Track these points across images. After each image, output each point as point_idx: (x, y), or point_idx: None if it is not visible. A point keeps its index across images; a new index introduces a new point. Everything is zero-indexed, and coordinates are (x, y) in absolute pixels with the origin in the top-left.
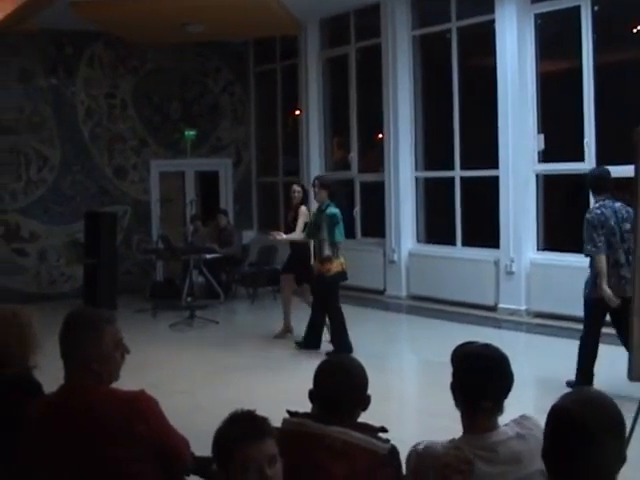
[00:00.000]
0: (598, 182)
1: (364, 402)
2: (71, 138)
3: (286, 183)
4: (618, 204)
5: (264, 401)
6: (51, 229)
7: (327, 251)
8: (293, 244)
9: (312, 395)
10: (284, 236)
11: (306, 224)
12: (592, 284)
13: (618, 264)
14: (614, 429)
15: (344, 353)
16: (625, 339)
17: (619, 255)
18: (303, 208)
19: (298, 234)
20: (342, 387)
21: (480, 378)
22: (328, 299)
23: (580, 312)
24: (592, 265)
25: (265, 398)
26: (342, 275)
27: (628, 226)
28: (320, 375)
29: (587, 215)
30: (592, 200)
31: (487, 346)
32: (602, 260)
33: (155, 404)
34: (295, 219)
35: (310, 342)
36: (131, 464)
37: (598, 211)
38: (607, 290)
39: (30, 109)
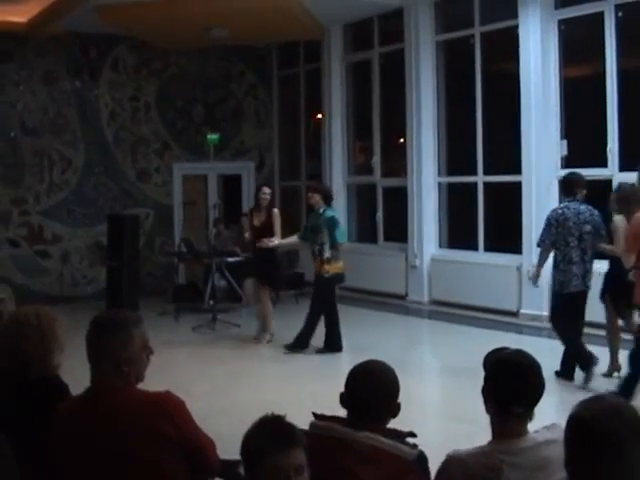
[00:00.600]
0: (566, 185)
1: (394, 410)
2: (94, 141)
3: (308, 187)
4: (583, 207)
5: (287, 404)
6: (74, 231)
7: (327, 253)
8: (258, 247)
9: (343, 398)
10: (277, 241)
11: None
12: (570, 279)
13: (571, 261)
14: (637, 435)
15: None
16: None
17: (573, 253)
18: (276, 211)
19: (293, 238)
20: (373, 393)
21: (513, 383)
22: (323, 298)
23: (601, 318)
24: (568, 261)
25: (288, 401)
26: (340, 277)
27: (588, 228)
28: (352, 379)
29: (549, 213)
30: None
31: (520, 352)
32: (546, 252)
33: (182, 405)
34: (268, 222)
35: (332, 344)
36: (160, 465)
37: (560, 211)
38: (535, 270)
39: (54, 111)
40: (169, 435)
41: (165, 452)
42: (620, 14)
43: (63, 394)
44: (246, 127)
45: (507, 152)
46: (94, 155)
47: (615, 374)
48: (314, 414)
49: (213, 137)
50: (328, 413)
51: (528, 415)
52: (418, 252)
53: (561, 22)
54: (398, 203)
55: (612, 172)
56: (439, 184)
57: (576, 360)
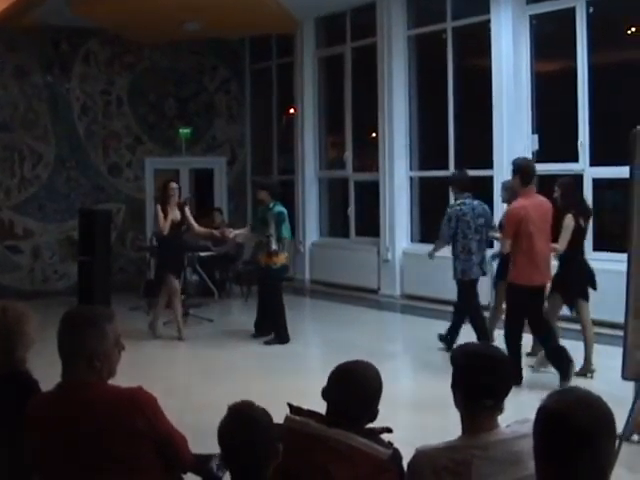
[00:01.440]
0: (460, 183)
1: (372, 415)
2: (66, 135)
3: (280, 182)
4: (476, 202)
5: (261, 399)
6: (45, 226)
7: (274, 245)
8: (164, 239)
9: (324, 393)
10: (236, 232)
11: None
12: (471, 267)
13: (470, 251)
14: (607, 429)
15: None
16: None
17: (472, 244)
18: (187, 207)
19: (247, 229)
20: (352, 397)
21: (482, 377)
22: (273, 289)
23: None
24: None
25: (261, 396)
26: (286, 268)
27: (482, 220)
28: (334, 378)
29: (448, 209)
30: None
31: (488, 345)
32: (442, 244)
33: (154, 401)
34: (183, 219)
35: (263, 331)
36: (133, 460)
37: (458, 207)
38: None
39: (25, 106)
40: (141, 431)
41: (137, 447)
42: (591, 10)
43: (32, 390)
44: (218, 121)
45: (479, 146)
46: (65, 150)
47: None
48: (289, 405)
49: (185, 131)
50: (304, 407)
51: (498, 408)
52: (390, 246)
53: (533, 17)
54: (370, 197)
55: (583, 166)
56: (411, 178)
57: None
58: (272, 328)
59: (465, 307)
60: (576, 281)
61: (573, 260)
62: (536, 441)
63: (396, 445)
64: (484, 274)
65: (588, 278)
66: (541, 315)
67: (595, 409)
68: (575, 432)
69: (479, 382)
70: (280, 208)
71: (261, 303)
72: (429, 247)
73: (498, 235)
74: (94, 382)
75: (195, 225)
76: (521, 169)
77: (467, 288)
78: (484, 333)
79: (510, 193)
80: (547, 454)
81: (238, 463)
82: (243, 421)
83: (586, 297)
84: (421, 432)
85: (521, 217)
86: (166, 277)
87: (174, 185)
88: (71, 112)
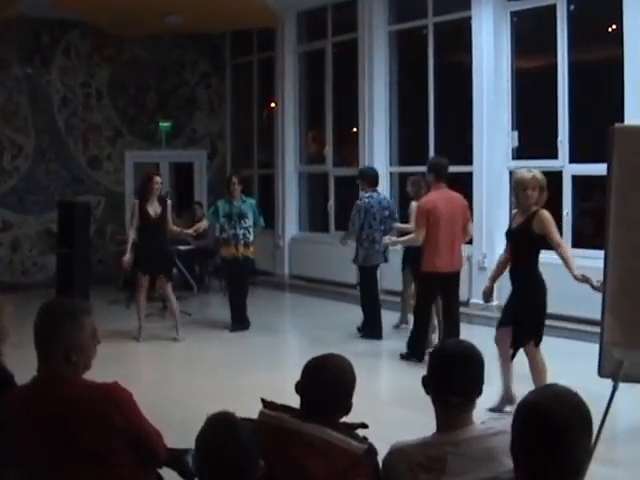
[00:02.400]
0: (369, 180)
1: (346, 408)
2: (46, 127)
3: (260, 176)
4: (382, 196)
5: (239, 393)
6: (24, 218)
7: (251, 236)
8: (148, 235)
9: (297, 387)
10: (204, 224)
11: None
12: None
13: (374, 240)
14: (584, 424)
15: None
16: None
17: (376, 234)
18: (169, 201)
19: (205, 223)
20: (326, 390)
21: (445, 373)
22: (247, 278)
23: (551, 308)
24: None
25: (240, 390)
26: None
27: (387, 212)
28: (308, 372)
29: (358, 201)
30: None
31: (459, 342)
32: (353, 234)
33: (129, 395)
34: (164, 212)
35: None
36: (108, 454)
37: (367, 200)
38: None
39: (5, 97)
40: (116, 425)
41: (112, 442)
42: (572, 7)
43: (7, 384)
44: (199, 115)
45: (459, 143)
46: (45, 142)
47: (404, 325)
48: (263, 401)
49: (165, 125)
50: (279, 401)
51: (468, 405)
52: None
53: (513, 14)
54: (350, 192)
55: (562, 163)
56: (390, 174)
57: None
58: (242, 317)
59: (363, 292)
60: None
61: None
62: (514, 434)
63: (372, 440)
64: (386, 261)
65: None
66: (451, 300)
67: (572, 404)
68: (551, 424)
69: (444, 379)
70: (253, 200)
71: (244, 294)
72: None
73: (404, 226)
74: (70, 376)
75: (171, 223)
76: (435, 167)
77: (368, 274)
78: (374, 321)
79: (416, 188)
80: (524, 447)
81: (217, 477)
82: (225, 432)
83: None
84: (401, 426)
85: (429, 209)
86: (136, 276)
87: (158, 179)
88: (51, 104)
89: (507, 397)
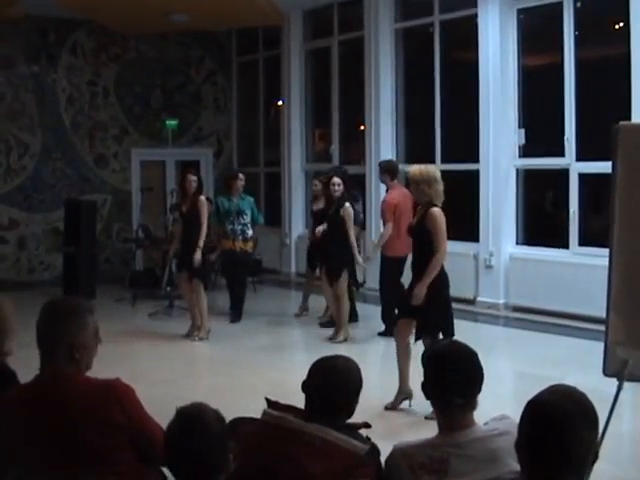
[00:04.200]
0: (393, 172)
1: (351, 409)
2: (52, 126)
3: (266, 174)
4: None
5: (244, 391)
6: (31, 217)
7: (251, 232)
8: (191, 239)
9: (304, 387)
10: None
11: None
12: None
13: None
14: (588, 421)
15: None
16: None
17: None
18: (203, 198)
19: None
20: (333, 390)
21: (448, 375)
22: (245, 271)
23: (559, 306)
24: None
25: (245, 388)
26: None
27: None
28: (314, 372)
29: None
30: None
31: (453, 343)
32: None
33: (131, 392)
34: (194, 211)
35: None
36: (110, 451)
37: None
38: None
39: (11, 96)
40: (118, 422)
41: (115, 439)
42: (578, 4)
43: (10, 382)
44: (205, 113)
45: (465, 140)
46: (52, 140)
47: (305, 313)
48: (267, 400)
49: (171, 123)
50: (282, 401)
51: (470, 405)
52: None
53: (520, 11)
54: (356, 190)
55: (569, 161)
56: None
57: None
58: (240, 309)
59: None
60: None
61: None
62: (520, 431)
63: (374, 440)
64: None
65: None
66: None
67: (571, 398)
68: (548, 417)
69: (445, 381)
70: (251, 197)
71: (242, 286)
72: None
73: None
74: (72, 374)
75: (205, 220)
76: (389, 169)
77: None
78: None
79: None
80: (529, 443)
81: (184, 470)
82: (192, 426)
83: None
84: (400, 427)
85: (395, 204)
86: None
87: (192, 177)
88: (57, 103)
89: (404, 392)
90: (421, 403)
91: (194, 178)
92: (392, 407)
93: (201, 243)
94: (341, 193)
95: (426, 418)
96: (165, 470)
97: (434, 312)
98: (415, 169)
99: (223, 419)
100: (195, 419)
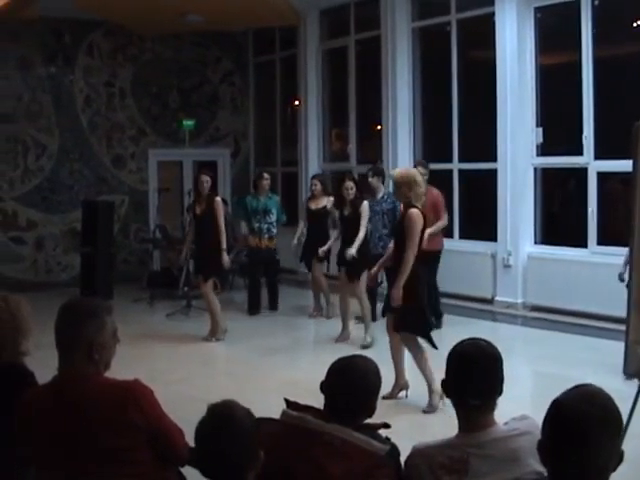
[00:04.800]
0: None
1: (371, 409)
2: (69, 127)
3: (284, 174)
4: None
5: (261, 391)
6: (48, 218)
7: (275, 230)
8: (204, 240)
9: (322, 387)
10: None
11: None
12: None
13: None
14: (608, 425)
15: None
16: None
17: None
18: (218, 199)
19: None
20: (352, 390)
21: (462, 377)
22: (272, 267)
23: (577, 306)
24: None
25: (262, 388)
26: None
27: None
28: (333, 373)
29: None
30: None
31: (475, 344)
32: None
33: (150, 393)
34: (208, 212)
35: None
36: (128, 452)
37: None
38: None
39: (28, 97)
40: (137, 423)
41: (133, 440)
42: (596, 2)
43: (28, 383)
44: (222, 113)
45: (483, 139)
46: (69, 141)
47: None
48: (286, 400)
49: (188, 123)
50: (301, 401)
51: (488, 406)
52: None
53: (537, 10)
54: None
55: (588, 160)
56: None
57: None
58: (277, 303)
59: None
60: None
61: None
62: (543, 432)
63: (395, 443)
64: None
65: None
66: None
67: (594, 401)
68: (568, 419)
69: (462, 381)
70: (277, 196)
71: (271, 281)
72: None
73: None
74: (91, 374)
75: (222, 223)
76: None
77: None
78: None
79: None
80: (551, 444)
81: (215, 468)
82: (223, 422)
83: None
84: (420, 427)
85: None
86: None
87: (204, 178)
88: (75, 104)
89: (400, 384)
90: (420, 394)
91: (207, 179)
92: (389, 397)
93: (224, 245)
94: (354, 195)
95: (424, 412)
96: (183, 470)
97: (410, 310)
98: (397, 172)
99: (253, 416)
100: (227, 417)
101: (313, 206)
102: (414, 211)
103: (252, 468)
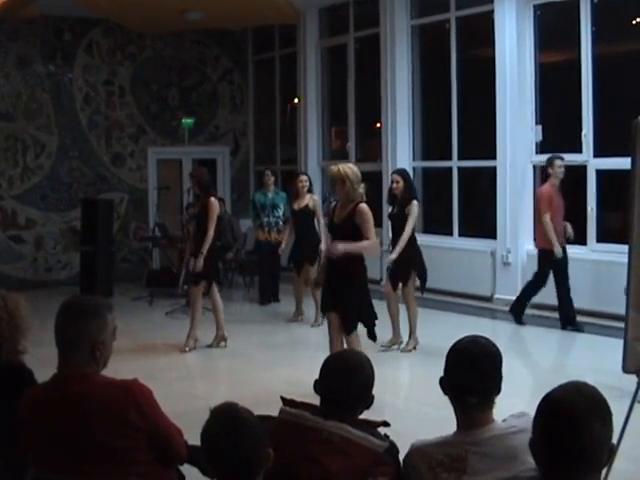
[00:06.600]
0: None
1: (367, 401)
2: (69, 125)
3: (283, 172)
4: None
5: (261, 389)
6: (48, 216)
7: (282, 225)
8: (195, 242)
9: (316, 386)
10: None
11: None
12: None
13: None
14: (598, 415)
15: (349, 349)
16: None
17: None
18: (212, 200)
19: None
20: (346, 384)
21: (460, 375)
22: (277, 262)
23: (576, 303)
24: None
25: (262, 386)
26: None
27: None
28: (326, 369)
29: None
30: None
31: (475, 341)
32: None
33: (149, 393)
34: (202, 212)
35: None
36: (127, 452)
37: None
38: None
39: (27, 95)
40: (136, 423)
41: (132, 440)
42: (595, 0)
43: (27, 381)
44: (221, 111)
45: (482, 137)
46: (68, 139)
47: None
48: (282, 399)
49: (188, 121)
50: (299, 399)
51: (487, 404)
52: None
53: (537, 8)
54: (372, 188)
55: (587, 158)
56: (414, 169)
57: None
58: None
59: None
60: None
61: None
62: (534, 428)
63: (397, 437)
64: None
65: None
66: None
67: (581, 392)
68: (557, 409)
69: (459, 379)
70: (284, 192)
71: (275, 274)
72: (432, 238)
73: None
74: (90, 373)
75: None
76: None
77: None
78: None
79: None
80: (543, 438)
81: (225, 469)
82: (234, 424)
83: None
84: (422, 423)
85: (550, 196)
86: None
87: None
88: (74, 102)
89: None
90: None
91: (192, 177)
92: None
93: (204, 250)
94: (400, 192)
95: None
96: (183, 469)
97: (356, 300)
98: (346, 168)
99: (255, 416)
100: (234, 418)
101: (296, 206)
102: (364, 205)
103: (262, 467)
